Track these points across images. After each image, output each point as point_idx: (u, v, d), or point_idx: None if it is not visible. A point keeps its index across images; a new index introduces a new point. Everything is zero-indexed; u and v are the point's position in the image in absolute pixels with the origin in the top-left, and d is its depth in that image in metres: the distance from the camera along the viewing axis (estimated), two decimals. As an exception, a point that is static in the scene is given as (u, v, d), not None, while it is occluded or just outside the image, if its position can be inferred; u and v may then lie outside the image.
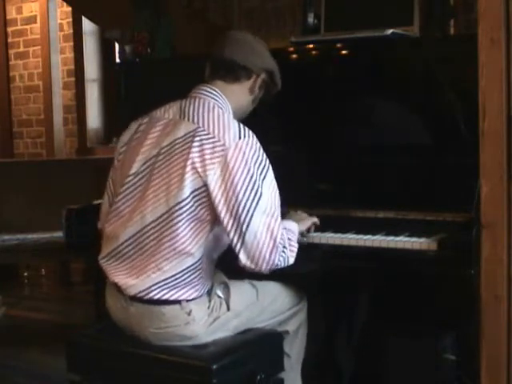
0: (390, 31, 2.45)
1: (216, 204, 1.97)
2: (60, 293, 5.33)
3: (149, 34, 3.12)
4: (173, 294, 2.03)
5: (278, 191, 2.05)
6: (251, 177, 1.97)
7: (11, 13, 6.03)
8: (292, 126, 2.72)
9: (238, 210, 1.96)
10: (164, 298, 2.03)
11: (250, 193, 1.96)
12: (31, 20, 5.90)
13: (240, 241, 1.97)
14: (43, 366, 3.55)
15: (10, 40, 6.05)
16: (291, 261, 2.06)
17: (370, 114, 2.57)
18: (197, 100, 2.14)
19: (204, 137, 2.02)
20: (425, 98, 2.45)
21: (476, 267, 2.03)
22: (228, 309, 2.14)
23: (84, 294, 4.79)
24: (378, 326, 2.58)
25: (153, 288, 2.03)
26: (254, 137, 2.06)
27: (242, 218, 1.96)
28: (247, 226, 1.96)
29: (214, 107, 2.11)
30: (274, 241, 1.98)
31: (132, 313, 2.11)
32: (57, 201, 2.69)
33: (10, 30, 6.04)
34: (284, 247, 2.02)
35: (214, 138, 2.01)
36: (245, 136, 2.03)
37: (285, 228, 2.08)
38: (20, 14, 5.99)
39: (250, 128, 2.10)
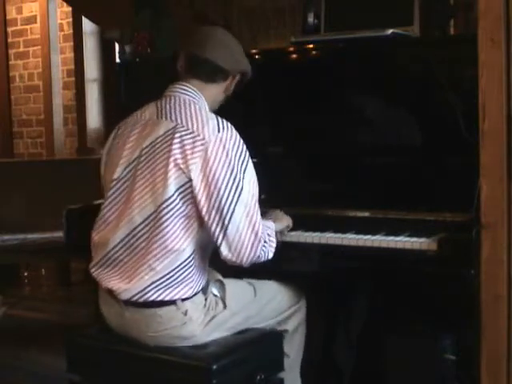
0: (389, 31, 2.45)
1: (198, 198, 1.98)
2: (60, 293, 5.33)
3: (149, 33, 3.11)
4: (168, 294, 2.03)
5: (257, 183, 2.06)
6: (232, 169, 1.98)
7: (11, 13, 6.04)
8: (292, 126, 2.72)
9: (220, 203, 1.96)
10: (159, 298, 2.03)
11: (232, 186, 1.97)
12: (31, 20, 5.91)
13: (222, 234, 1.98)
14: (43, 366, 3.55)
15: (9, 40, 6.06)
16: (271, 255, 2.09)
17: (370, 114, 2.58)
18: (172, 98, 2.14)
19: (184, 133, 2.02)
20: (425, 98, 2.45)
21: (476, 267, 2.03)
22: (225, 307, 2.14)
23: (84, 293, 4.78)
24: (378, 325, 2.58)
25: (147, 290, 2.03)
26: (233, 128, 2.06)
27: (225, 212, 1.97)
28: (229, 218, 1.97)
29: (190, 104, 2.11)
30: (256, 233, 2.00)
31: (127, 318, 2.10)
32: (57, 201, 2.68)
33: (9, 29, 6.05)
34: (265, 242, 2.04)
35: (193, 133, 2.02)
36: (224, 128, 2.03)
37: (263, 224, 2.10)
38: (20, 14, 6.00)
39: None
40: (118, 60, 3.35)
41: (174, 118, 2.07)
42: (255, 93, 2.77)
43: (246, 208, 1.99)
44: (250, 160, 2.05)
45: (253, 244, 2.00)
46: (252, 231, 2.00)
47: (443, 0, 2.67)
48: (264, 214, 2.20)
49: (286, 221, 2.32)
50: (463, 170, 2.19)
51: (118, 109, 2.27)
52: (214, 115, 2.10)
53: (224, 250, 2.00)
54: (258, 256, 2.03)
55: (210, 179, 1.97)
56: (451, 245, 2.06)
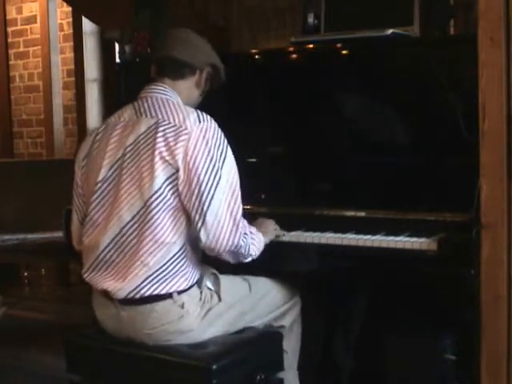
0: (389, 31, 2.45)
1: (181, 187, 2.02)
2: (60, 293, 5.33)
3: (149, 33, 3.12)
4: (163, 287, 2.04)
5: (238, 174, 2.10)
6: (212, 158, 2.03)
7: (11, 13, 6.04)
8: (292, 126, 2.72)
9: (199, 189, 2.00)
10: (155, 292, 2.04)
11: (211, 173, 2.02)
12: (31, 20, 5.91)
13: (201, 220, 2.01)
14: (43, 366, 3.54)
15: (9, 40, 6.06)
16: (252, 252, 2.11)
17: (370, 113, 2.57)
18: (149, 99, 2.18)
19: (166, 126, 2.07)
20: (425, 98, 2.45)
21: (476, 267, 2.03)
22: (219, 300, 2.16)
23: (83, 294, 4.76)
24: (378, 325, 2.58)
25: (142, 285, 2.04)
26: (213, 120, 2.11)
27: (204, 198, 2.00)
28: (208, 205, 2.01)
29: (167, 101, 2.17)
30: (234, 220, 2.04)
31: (124, 318, 2.10)
32: (57, 201, 2.68)
33: (9, 29, 6.05)
34: (245, 233, 2.07)
35: (175, 125, 2.07)
36: (204, 120, 2.09)
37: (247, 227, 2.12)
38: (20, 14, 6.00)
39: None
40: (118, 60, 3.35)
41: (154, 114, 2.12)
42: (255, 93, 2.78)
43: (224, 195, 2.03)
44: (230, 151, 2.09)
45: (231, 231, 2.03)
46: (230, 218, 2.03)
47: (443, 0, 2.67)
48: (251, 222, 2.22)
49: (274, 232, 2.33)
50: (463, 170, 2.19)
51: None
52: (193, 109, 2.15)
53: (203, 237, 2.03)
54: (237, 245, 2.05)
55: (190, 166, 2.01)
56: (451, 245, 2.06)
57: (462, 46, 2.38)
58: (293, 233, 2.35)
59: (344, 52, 2.63)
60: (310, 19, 2.76)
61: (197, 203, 2.01)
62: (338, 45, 2.63)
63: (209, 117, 2.11)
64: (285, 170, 2.63)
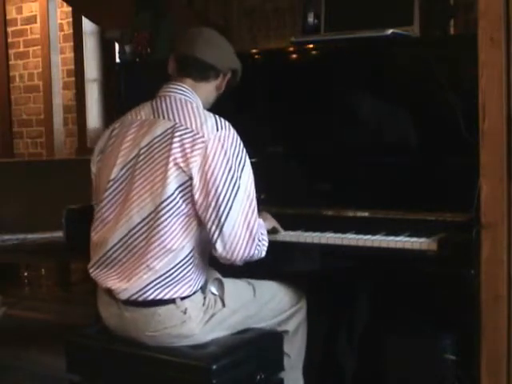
0: (389, 31, 2.45)
1: (196, 196, 1.99)
2: (60, 293, 5.33)
3: (149, 34, 3.12)
4: (167, 293, 2.03)
5: (253, 183, 2.07)
6: (230, 168, 2.00)
7: (11, 13, 6.04)
8: (292, 126, 2.72)
9: (217, 201, 1.97)
10: (158, 297, 2.03)
11: (230, 184, 1.98)
12: (31, 20, 5.91)
13: (218, 231, 1.99)
14: (43, 366, 3.54)
15: (9, 40, 6.06)
16: (263, 254, 2.10)
17: (370, 113, 2.58)
18: (167, 98, 2.15)
19: (183, 132, 2.03)
20: (424, 98, 2.45)
21: (476, 267, 2.03)
22: (223, 305, 2.14)
23: (84, 293, 4.78)
24: (378, 325, 2.58)
25: (146, 289, 2.03)
26: (231, 127, 2.07)
27: (222, 209, 1.97)
28: (226, 216, 1.98)
29: (186, 103, 2.13)
30: (251, 232, 2.01)
31: (127, 318, 2.10)
32: (57, 201, 2.69)
33: (9, 29, 6.05)
34: (259, 240, 2.05)
35: (192, 131, 2.03)
36: (223, 128, 2.05)
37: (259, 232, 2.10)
38: (20, 14, 6.00)
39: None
40: (118, 60, 3.35)
41: (171, 117, 2.08)
42: (255, 93, 2.78)
43: (242, 206, 2.00)
44: (248, 159, 2.06)
45: (247, 242, 2.01)
46: (247, 229, 2.01)
47: (443, 0, 2.67)
48: None
49: (273, 222, 2.33)
50: (463, 170, 2.19)
51: (117, 109, 2.26)
52: (211, 114, 2.11)
53: (219, 248, 2.00)
54: (252, 255, 2.04)
55: (208, 177, 1.98)
56: (451, 245, 2.06)
57: (461, 45, 2.38)
58: (293, 233, 2.34)
59: (344, 52, 2.63)
60: (310, 19, 2.76)
61: (214, 215, 1.98)
62: (338, 45, 2.63)
63: (227, 123, 2.07)
64: (285, 169, 2.63)
